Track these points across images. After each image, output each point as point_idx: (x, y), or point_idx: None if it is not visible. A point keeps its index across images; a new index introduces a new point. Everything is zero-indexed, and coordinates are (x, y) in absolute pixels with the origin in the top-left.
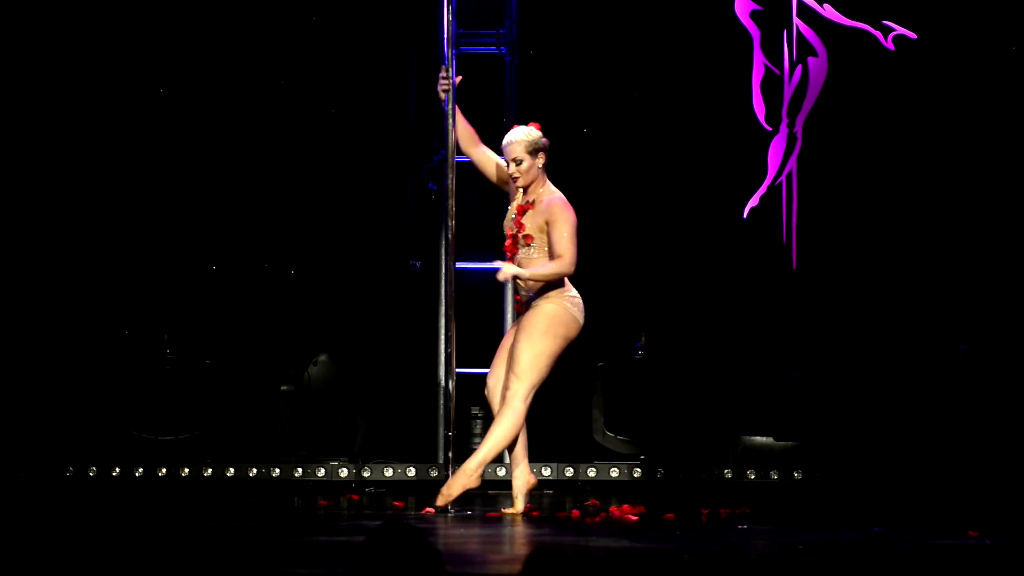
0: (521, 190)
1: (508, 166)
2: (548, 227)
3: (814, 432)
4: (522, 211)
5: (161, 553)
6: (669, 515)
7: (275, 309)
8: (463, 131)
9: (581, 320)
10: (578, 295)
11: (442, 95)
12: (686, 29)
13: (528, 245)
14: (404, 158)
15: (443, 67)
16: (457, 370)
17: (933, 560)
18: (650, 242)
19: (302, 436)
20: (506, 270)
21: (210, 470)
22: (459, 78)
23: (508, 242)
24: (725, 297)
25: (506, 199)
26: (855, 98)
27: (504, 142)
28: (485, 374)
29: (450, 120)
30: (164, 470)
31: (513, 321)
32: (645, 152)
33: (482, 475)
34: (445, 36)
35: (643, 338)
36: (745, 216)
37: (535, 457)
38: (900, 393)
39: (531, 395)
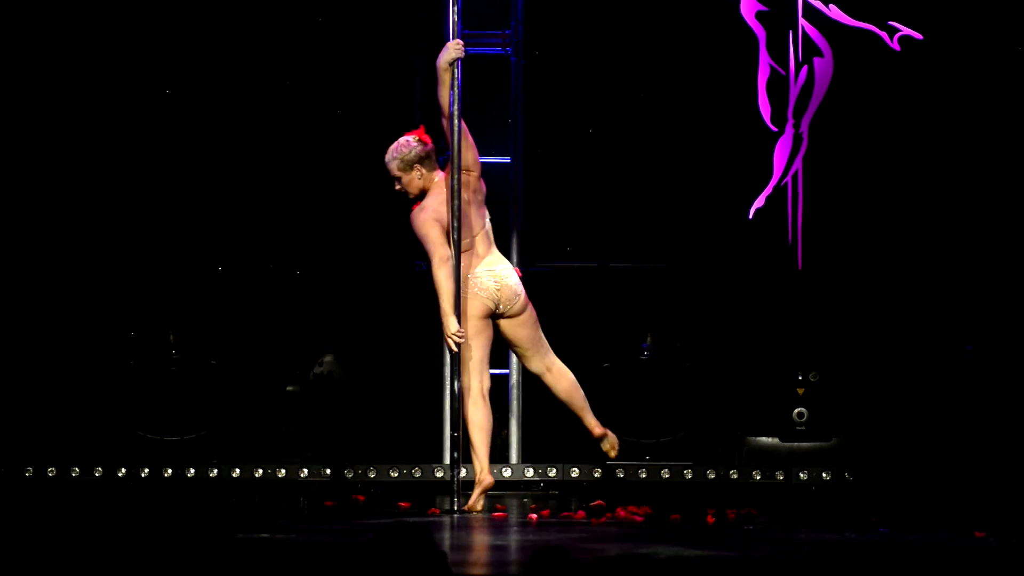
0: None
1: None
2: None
3: (822, 433)
4: None
5: (166, 553)
6: (675, 516)
7: (280, 309)
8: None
9: (480, 293)
10: (480, 275)
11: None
12: (692, 30)
13: None
14: None
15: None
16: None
17: (939, 561)
18: (656, 242)
19: (308, 436)
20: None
21: (216, 471)
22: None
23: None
24: (731, 297)
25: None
26: (861, 99)
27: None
28: (490, 374)
29: (455, 121)
30: (170, 471)
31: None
32: (651, 153)
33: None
34: (450, 37)
35: (649, 338)
36: (751, 217)
37: (541, 458)
38: (906, 393)
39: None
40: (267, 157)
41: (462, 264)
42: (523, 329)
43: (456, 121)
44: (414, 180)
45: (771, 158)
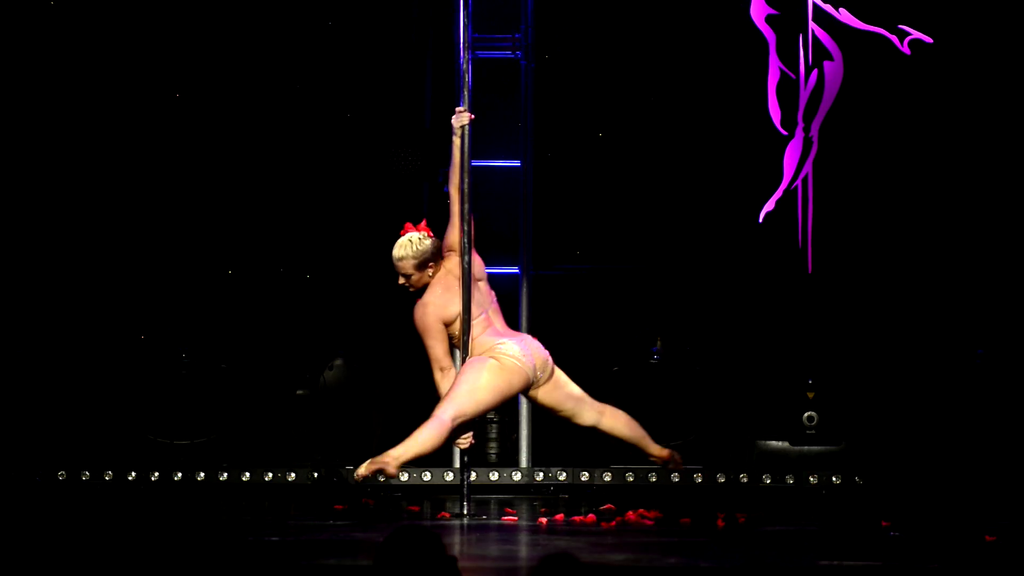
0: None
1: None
2: None
3: (831, 436)
4: None
5: (176, 557)
6: (685, 519)
7: (290, 313)
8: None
9: (515, 362)
10: (508, 344)
11: (456, 132)
12: (702, 33)
13: None
14: (419, 162)
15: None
16: None
17: (948, 562)
18: (666, 246)
19: (318, 440)
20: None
21: (226, 474)
22: (471, 117)
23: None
24: (741, 301)
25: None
26: (871, 102)
27: (393, 256)
28: None
29: (465, 178)
30: (180, 474)
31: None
32: (661, 156)
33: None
34: (461, 40)
35: (659, 342)
36: (761, 220)
37: (550, 461)
38: (917, 396)
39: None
40: (277, 161)
41: (481, 340)
42: (558, 389)
43: (467, 177)
44: (424, 277)
45: (781, 162)
